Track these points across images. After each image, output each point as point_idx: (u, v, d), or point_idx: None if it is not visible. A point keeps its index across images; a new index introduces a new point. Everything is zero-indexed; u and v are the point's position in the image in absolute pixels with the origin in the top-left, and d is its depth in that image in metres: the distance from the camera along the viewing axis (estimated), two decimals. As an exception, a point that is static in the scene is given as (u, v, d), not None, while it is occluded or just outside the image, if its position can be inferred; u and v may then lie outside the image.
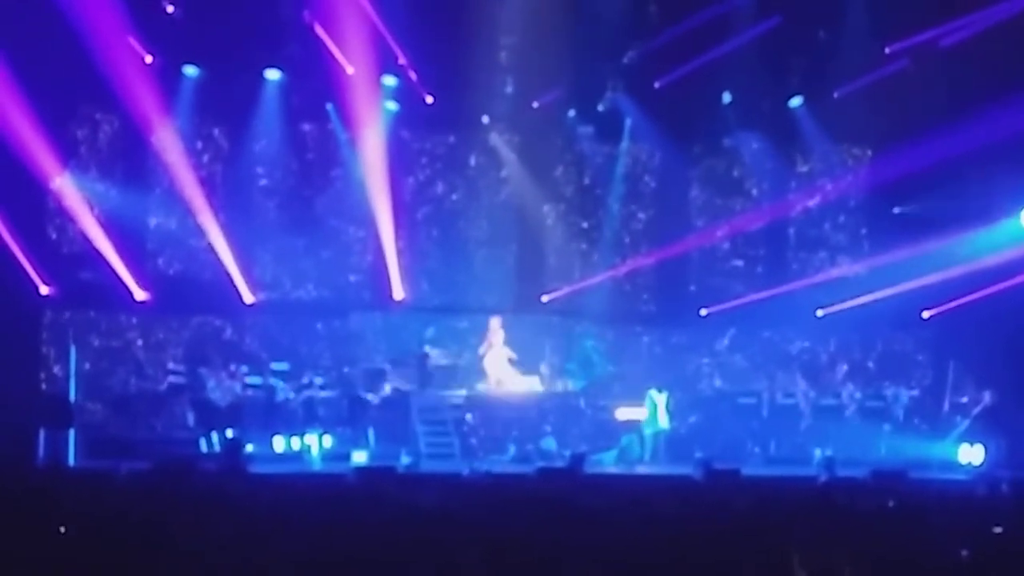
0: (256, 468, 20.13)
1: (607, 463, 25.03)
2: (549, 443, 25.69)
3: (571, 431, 26.39)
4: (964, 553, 10.19)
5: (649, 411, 26.11)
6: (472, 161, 29.11)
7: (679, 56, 26.61)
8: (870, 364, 29.08)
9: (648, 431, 26.05)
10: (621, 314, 29.22)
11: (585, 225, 29.43)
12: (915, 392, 27.84)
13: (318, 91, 26.93)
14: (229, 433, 24.40)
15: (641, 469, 25.05)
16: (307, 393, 25.93)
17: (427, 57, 26.58)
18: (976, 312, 26.71)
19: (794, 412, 27.27)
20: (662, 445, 26.19)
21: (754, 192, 29.55)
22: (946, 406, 27.38)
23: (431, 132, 28.87)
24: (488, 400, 26.67)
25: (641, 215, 29.54)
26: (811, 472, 21.34)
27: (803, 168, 29.59)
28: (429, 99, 27.46)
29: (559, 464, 21.91)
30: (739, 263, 29.54)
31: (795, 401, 27.44)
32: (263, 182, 28.28)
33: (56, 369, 25.97)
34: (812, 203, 29.41)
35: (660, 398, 26.09)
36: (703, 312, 28.93)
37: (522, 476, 19.98)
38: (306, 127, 28.13)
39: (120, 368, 26.56)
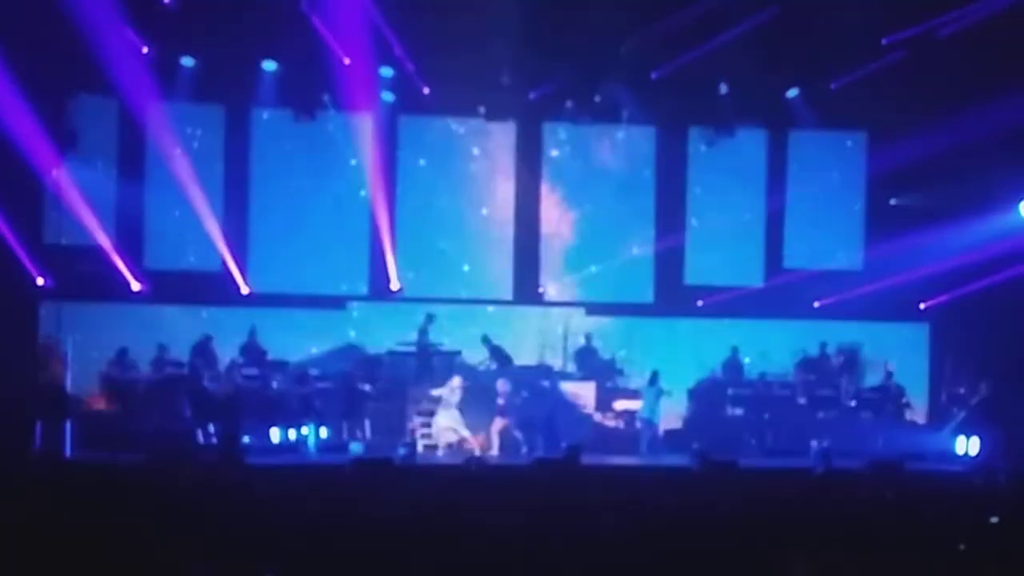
0: (252, 459, 20.17)
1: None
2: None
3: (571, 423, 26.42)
4: (961, 547, 10.21)
5: (647, 401, 26.22)
6: (469, 151, 29.09)
7: (676, 47, 26.57)
8: (867, 355, 29.02)
9: (644, 417, 26.20)
10: (620, 304, 29.24)
11: (583, 215, 29.40)
12: (912, 383, 27.86)
13: (315, 82, 26.94)
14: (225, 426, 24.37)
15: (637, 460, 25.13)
16: (304, 385, 25.93)
17: (423, 48, 26.56)
18: (973, 303, 26.77)
19: (791, 403, 27.29)
20: (659, 437, 26.29)
21: (751, 182, 29.52)
22: (943, 397, 27.42)
23: (428, 123, 28.88)
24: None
25: (639, 205, 29.50)
26: (808, 463, 21.42)
27: (799, 159, 29.55)
28: (426, 90, 27.48)
29: (556, 456, 21.93)
30: (736, 253, 29.50)
31: (792, 392, 27.46)
32: (259, 172, 28.28)
33: (52, 361, 25.88)
34: (809, 194, 29.38)
35: (660, 389, 26.23)
36: (699, 303, 28.98)
37: (519, 467, 20.03)
38: (302, 118, 28.07)
39: (116, 359, 26.50)
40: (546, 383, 26.92)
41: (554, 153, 29.45)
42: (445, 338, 27.59)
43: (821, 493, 14.70)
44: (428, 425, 25.62)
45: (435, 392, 25.60)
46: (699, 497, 13.71)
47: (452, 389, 25.37)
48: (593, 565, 9.47)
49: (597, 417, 27.02)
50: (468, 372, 26.90)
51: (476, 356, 27.68)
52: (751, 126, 29.07)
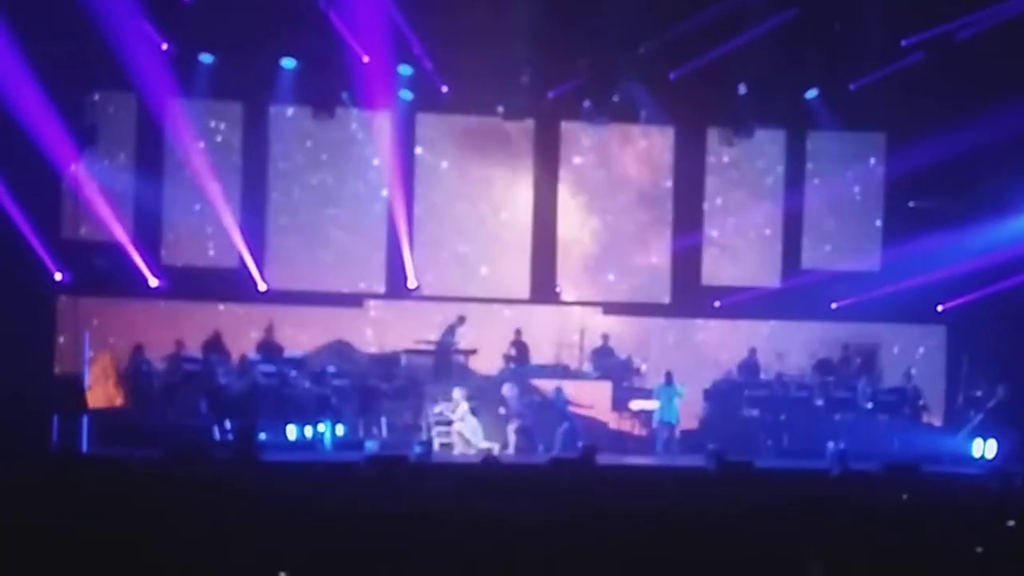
0: (268, 456, 20.19)
1: None
2: None
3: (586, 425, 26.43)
4: (978, 551, 10.19)
5: (661, 402, 26.24)
6: (487, 150, 29.05)
7: (695, 47, 26.55)
8: (884, 357, 28.99)
9: (661, 421, 26.23)
10: (637, 305, 29.22)
11: (601, 216, 29.38)
12: (929, 386, 27.81)
13: (333, 79, 26.95)
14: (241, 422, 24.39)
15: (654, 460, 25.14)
16: (321, 382, 25.94)
17: (442, 46, 26.58)
18: (991, 306, 26.72)
19: (808, 405, 27.23)
20: (676, 437, 26.29)
21: (769, 184, 29.51)
22: (960, 400, 27.35)
23: (446, 121, 28.88)
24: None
25: (657, 206, 29.48)
26: (824, 465, 21.39)
27: (818, 160, 29.52)
28: (444, 88, 27.48)
29: (572, 455, 21.93)
30: (754, 255, 29.49)
31: (809, 394, 27.40)
32: (277, 169, 28.34)
33: (69, 356, 25.96)
34: (827, 195, 29.34)
35: (675, 390, 26.24)
36: (716, 304, 28.96)
37: (534, 467, 20.01)
38: (321, 115, 28.07)
39: (133, 355, 26.53)
40: (550, 387, 26.79)
41: (576, 160, 29.40)
42: (461, 338, 27.58)
43: (837, 495, 14.67)
44: (443, 423, 25.64)
45: (438, 408, 25.77)
46: (715, 498, 13.70)
47: (455, 403, 25.45)
48: (608, 564, 9.47)
49: (613, 417, 27.01)
50: (473, 378, 27.00)
51: (493, 356, 27.68)
52: (770, 127, 29.03)
